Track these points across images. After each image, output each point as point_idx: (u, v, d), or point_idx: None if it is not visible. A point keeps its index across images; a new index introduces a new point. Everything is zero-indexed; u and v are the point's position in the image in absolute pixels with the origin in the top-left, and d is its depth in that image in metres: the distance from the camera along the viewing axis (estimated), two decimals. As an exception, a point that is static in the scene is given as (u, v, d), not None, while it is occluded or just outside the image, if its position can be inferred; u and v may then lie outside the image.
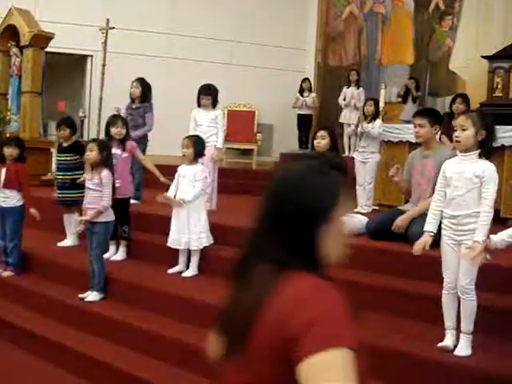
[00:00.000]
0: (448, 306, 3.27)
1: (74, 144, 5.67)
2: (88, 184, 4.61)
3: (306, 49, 11.99)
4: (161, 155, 8.25)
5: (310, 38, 12.01)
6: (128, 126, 5.59)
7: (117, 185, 4.82)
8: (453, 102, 6.66)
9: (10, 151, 5.14)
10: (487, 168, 3.14)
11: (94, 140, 4.95)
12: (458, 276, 3.18)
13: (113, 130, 5.35)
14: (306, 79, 10.88)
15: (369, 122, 6.66)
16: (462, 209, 3.17)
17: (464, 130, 3.17)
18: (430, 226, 3.36)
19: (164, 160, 7.19)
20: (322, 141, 5.20)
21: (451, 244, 3.22)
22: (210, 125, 6.09)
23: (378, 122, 6.67)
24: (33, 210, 5.18)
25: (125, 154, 5.35)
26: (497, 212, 3.29)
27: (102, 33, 8.84)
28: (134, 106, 6.70)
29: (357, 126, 6.92)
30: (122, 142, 5.36)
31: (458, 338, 3.25)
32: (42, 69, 8.29)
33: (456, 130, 3.22)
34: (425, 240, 3.34)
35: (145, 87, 6.71)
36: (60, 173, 5.69)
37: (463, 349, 3.19)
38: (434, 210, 3.38)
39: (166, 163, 6.52)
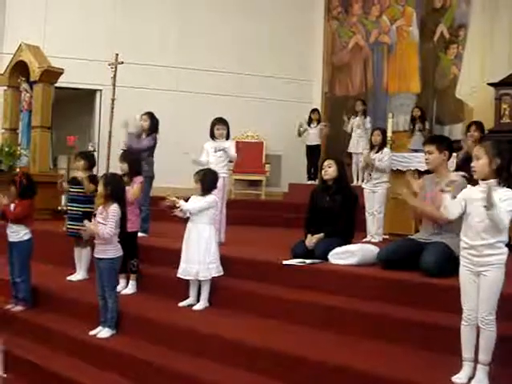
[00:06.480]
0: (467, 337, 3.19)
1: (89, 178, 5.69)
2: (98, 218, 4.61)
3: (313, 79, 12.07)
4: (168, 187, 8.25)
5: (317, 69, 12.10)
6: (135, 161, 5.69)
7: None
8: (467, 129, 6.56)
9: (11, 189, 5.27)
10: (505, 193, 3.08)
11: (103, 175, 4.98)
12: (478, 307, 3.11)
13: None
14: (315, 110, 10.92)
15: (376, 152, 6.64)
16: (480, 238, 3.12)
17: (478, 159, 3.18)
18: None
19: (171, 192, 7.18)
20: (328, 169, 5.22)
21: (470, 275, 3.16)
22: (221, 156, 6.12)
23: (386, 151, 6.63)
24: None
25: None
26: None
27: (111, 68, 8.94)
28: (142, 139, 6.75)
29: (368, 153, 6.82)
30: (128, 177, 5.40)
31: (474, 369, 3.18)
32: (51, 103, 8.38)
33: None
34: None
35: (153, 120, 6.81)
36: (73, 204, 5.71)
37: (480, 380, 3.11)
38: None
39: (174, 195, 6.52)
